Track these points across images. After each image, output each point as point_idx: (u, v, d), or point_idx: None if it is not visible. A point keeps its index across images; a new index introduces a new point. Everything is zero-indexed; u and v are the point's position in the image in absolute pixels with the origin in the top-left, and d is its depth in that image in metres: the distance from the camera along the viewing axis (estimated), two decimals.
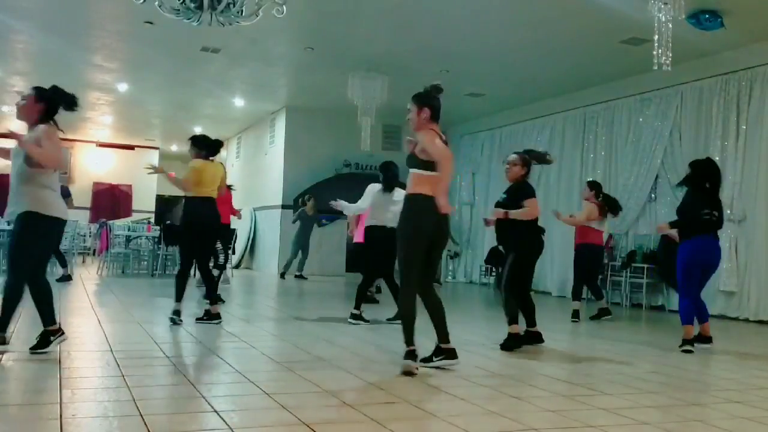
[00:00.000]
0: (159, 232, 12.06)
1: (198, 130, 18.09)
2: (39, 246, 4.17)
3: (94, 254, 16.27)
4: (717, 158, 8.74)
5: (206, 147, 6.31)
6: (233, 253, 11.60)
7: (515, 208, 5.34)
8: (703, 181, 5.65)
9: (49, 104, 4.27)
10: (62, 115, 4.29)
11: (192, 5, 5.66)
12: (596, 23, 8.23)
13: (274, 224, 14.67)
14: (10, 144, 4.24)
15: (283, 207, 14.22)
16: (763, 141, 8.44)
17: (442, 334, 4.33)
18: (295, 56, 10.60)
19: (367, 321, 6.50)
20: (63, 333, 4.32)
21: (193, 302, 7.18)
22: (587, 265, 7.73)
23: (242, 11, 5.85)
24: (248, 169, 17.49)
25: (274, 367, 4.29)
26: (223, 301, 7.62)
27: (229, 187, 7.99)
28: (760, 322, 8.18)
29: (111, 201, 20.13)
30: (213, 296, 6.20)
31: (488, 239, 12.55)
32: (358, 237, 8.03)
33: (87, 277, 10.96)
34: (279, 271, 13.24)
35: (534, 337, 5.54)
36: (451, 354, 4.31)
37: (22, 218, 4.09)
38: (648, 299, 9.71)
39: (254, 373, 4.06)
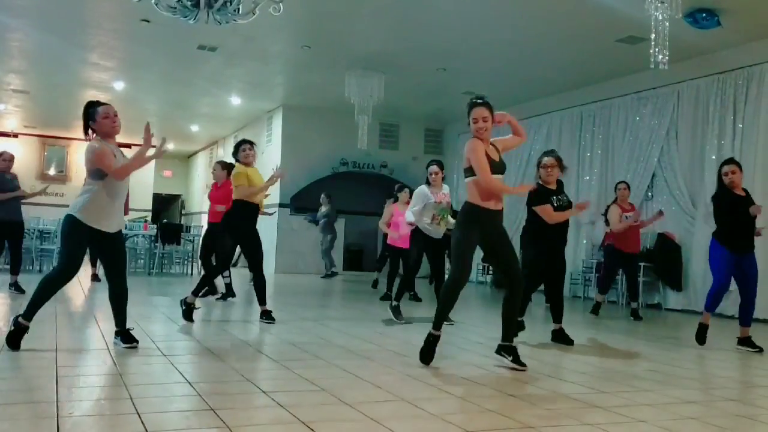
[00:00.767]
0: (156, 230, 12.05)
1: (195, 129, 18.13)
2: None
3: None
4: (713, 157, 8.79)
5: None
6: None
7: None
8: None
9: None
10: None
11: (189, 3, 5.63)
12: (593, 22, 8.25)
13: (270, 223, 14.64)
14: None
15: (281, 206, 14.19)
16: (759, 139, 8.46)
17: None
18: (291, 54, 10.59)
19: (403, 320, 6.59)
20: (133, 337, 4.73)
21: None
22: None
23: (239, 9, 5.83)
24: None
25: (272, 365, 4.29)
26: (234, 295, 8.09)
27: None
28: (757, 320, 8.18)
29: None
30: (199, 291, 6.17)
31: None
32: (400, 241, 8.20)
33: (83, 275, 10.91)
34: (324, 272, 13.14)
35: (560, 336, 5.67)
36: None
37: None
38: (644, 297, 9.72)
39: (252, 372, 4.06)
